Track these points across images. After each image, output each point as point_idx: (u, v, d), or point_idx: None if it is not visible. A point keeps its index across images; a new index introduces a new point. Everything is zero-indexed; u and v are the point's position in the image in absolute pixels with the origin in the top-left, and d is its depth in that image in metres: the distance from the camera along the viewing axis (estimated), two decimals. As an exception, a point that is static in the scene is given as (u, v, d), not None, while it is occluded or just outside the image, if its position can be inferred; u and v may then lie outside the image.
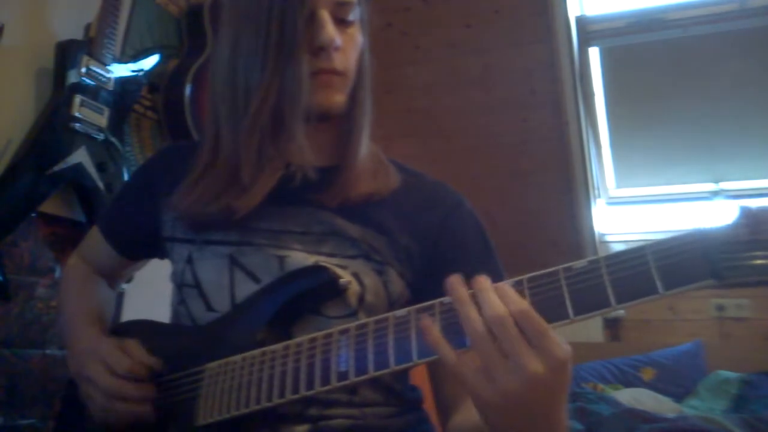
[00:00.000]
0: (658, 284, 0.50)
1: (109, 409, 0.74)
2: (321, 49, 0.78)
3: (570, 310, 0.52)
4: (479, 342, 0.53)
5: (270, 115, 0.78)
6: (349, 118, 0.85)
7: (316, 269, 0.76)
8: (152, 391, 0.75)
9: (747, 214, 0.49)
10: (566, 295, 0.52)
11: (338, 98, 0.81)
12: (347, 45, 0.81)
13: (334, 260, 0.79)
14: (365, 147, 0.86)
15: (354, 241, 0.80)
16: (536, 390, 0.52)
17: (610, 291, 0.52)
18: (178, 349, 0.79)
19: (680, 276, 0.50)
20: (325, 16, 0.78)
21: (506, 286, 0.56)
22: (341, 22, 0.81)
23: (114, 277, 1.04)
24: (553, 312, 0.52)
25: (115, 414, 0.74)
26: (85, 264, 1.01)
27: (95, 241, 1.00)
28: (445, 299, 0.59)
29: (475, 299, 0.55)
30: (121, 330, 0.89)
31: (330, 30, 0.78)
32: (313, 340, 0.66)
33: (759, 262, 0.48)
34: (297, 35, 0.76)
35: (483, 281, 0.56)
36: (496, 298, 0.54)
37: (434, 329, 0.56)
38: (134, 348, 0.77)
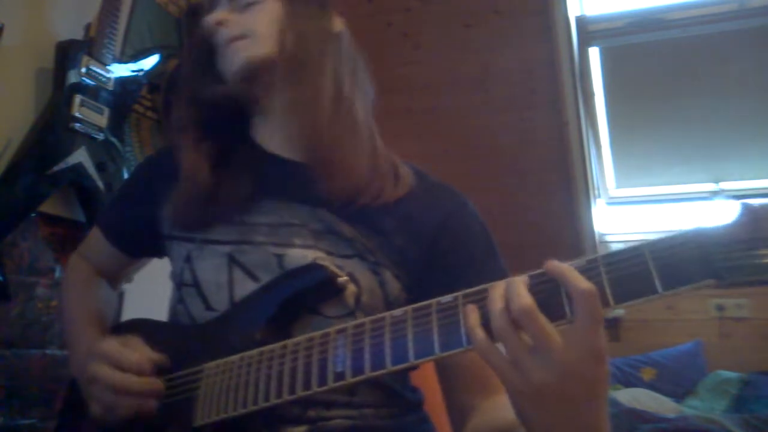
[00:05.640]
0: (657, 284, 0.49)
1: (114, 406, 0.73)
2: (214, 30, 0.86)
3: (567, 309, 0.52)
4: (505, 334, 0.52)
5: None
6: (301, 104, 0.84)
7: (314, 268, 0.76)
8: (159, 385, 0.74)
9: (747, 212, 0.48)
10: (563, 295, 0.52)
11: (243, 55, 0.84)
12: (243, 11, 0.86)
13: (331, 259, 0.79)
14: (348, 139, 0.83)
15: (349, 240, 0.80)
16: (574, 383, 0.50)
17: (608, 291, 0.51)
18: (177, 348, 0.79)
19: (679, 276, 0.49)
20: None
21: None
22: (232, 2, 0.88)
23: (115, 276, 1.03)
24: (552, 311, 0.52)
25: (119, 412, 0.73)
26: (86, 264, 1.01)
27: (95, 240, 1.00)
28: (442, 299, 0.58)
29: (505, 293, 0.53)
30: (121, 329, 0.89)
31: (213, 15, 0.86)
32: (310, 339, 0.66)
33: (761, 261, 0.47)
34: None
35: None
36: (525, 290, 0.52)
37: (474, 314, 0.55)
38: (137, 343, 0.77)
